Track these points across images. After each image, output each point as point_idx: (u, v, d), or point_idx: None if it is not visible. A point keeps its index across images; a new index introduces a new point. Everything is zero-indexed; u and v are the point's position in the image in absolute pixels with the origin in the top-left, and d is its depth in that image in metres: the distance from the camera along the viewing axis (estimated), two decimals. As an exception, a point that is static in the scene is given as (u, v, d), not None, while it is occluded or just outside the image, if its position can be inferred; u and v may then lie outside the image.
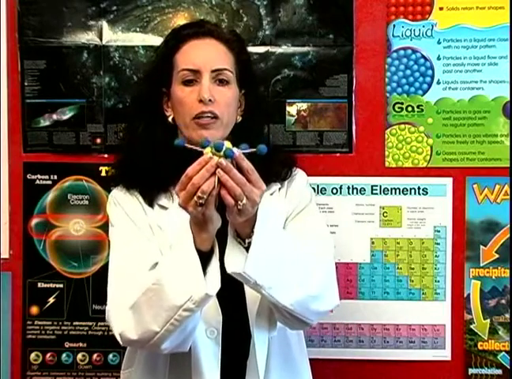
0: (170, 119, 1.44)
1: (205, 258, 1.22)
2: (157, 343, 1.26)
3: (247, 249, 1.20)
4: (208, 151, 1.15)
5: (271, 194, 1.44)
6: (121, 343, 1.32)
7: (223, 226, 1.23)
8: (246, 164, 1.16)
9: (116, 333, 1.32)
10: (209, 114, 1.37)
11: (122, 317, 1.31)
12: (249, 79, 1.48)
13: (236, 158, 1.14)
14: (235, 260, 1.21)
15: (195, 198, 1.15)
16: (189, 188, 1.16)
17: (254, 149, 1.17)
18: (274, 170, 1.45)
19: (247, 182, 1.15)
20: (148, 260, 1.33)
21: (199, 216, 1.19)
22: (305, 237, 1.37)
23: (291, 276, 1.25)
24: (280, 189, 1.46)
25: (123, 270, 1.36)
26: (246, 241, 1.22)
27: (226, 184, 1.14)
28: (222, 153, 1.13)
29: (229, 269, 1.20)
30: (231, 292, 1.30)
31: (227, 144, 1.15)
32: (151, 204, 1.41)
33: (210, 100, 1.36)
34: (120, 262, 1.38)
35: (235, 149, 1.14)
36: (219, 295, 1.28)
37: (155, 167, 1.41)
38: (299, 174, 1.50)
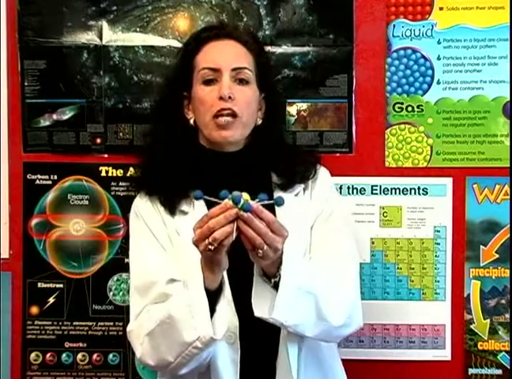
0: (191, 122, 1.44)
1: (214, 297, 1.24)
2: (174, 370, 1.31)
3: (273, 286, 1.23)
4: (227, 203, 1.15)
5: (296, 195, 1.44)
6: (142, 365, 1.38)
7: (248, 261, 1.25)
8: (266, 216, 1.17)
9: (137, 356, 1.36)
10: (228, 112, 1.37)
11: (140, 342, 1.34)
12: (269, 82, 1.49)
13: (255, 210, 1.15)
14: (262, 302, 1.23)
15: (206, 241, 1.17)
16: (204, 229, 1.17)
17: (272, 201, 1.18)
18: (297, 170, 1.46)
19: (269, 231, 1.17)
20: (166, 276, 1.35)
21: (208, 258, 1.21)
22: (331, 254, 1.38)
23: (318, 312, 1.28)
24: (304, 189, 1.46)
25: (142, 288, 1.38)
26: (272, 280, 1.24)
27: (246, 234, 1.16)
28: (240, 207, 1.14)
29: (257, 313, 1.23)
30: (250, 294, 1.30)
31: (245, 197, 1.15)
32: (172, 211, 1.41)
33: (230, 97, 1.37)
34: (139, 279, 1.40)
35: (252, 202, 1.15)
36: (236, 299, 1.31)
37: (175, 172, 1.41)
38: (321, 173, 1.50)
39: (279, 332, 1.34)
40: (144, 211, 1.44)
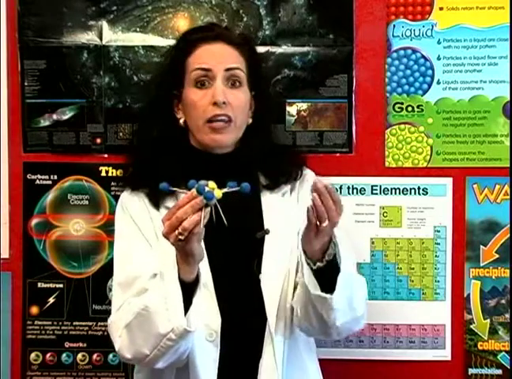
0: (181, 122, 1.44)
1: (191, 289, 1.24)
2: (151, 363, 1.30)
3: (316, 270, 1.27)
4: (193, 193, 1.16)
5: (282, 195, 1.45)
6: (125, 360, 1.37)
7: (244, 254, 1.30)
8: (334, 194, 1.23)
9: (116, 349, 1.35)
10: (223, 118, 1.37)
11: (119, 334, 1.33)
12: (259, 80, 1.49)
13: (330, 191, 1.22)
14: (314, 283, 1.27)
15: (176, 232, 1.17)
16: (172, 220, 1.17)
17: (238, 187, 1.19)
18: (283, 170, 1.46)
19: (333, 206, 1.22)
20: (149, 271, 1.34)
21: (181, 249, 1.21)
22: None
23: (350, 301, 1.32)
24: (291, 190, 1.47)
25: (124, 282, 1.38)
26: (317, 264, 1.28)
27: (318, 208, 1.21)
28: (203, 196, 1.15)
29: (314, 291, 1.27)
30: (234, 293, 1.30)
31: (211, 185, 1.16)
32: (157, 206, 1.42)
33: (224, 103, 1.37)
34: (123, 274, 1.40)
35: (219, 190, 1.16)
36: (221, 297, 1.31)
37: (163, 168, 1.41)
38: (309, 176, 1.51)
39: (262, 332, 1.35)
40: (131, 205, 1.44)
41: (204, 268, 1.30)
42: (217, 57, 1.41)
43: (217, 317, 1.33)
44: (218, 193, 1.16)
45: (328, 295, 1.26)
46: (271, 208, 1.30)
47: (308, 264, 1.28)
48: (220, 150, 1.42)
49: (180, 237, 1.17)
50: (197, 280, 1.25)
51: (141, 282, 1.34)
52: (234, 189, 1.18)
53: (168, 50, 1.56)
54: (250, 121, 1.47)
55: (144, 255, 1.38)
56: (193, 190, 1.16)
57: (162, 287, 1.25)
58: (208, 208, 1.16)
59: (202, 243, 1.23)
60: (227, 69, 1.40)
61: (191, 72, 1.41)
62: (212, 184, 1.16)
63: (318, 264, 1.27)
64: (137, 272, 1.36)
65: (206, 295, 1.31)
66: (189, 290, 1.24)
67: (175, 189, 1.19)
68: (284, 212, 1.42)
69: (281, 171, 1.46)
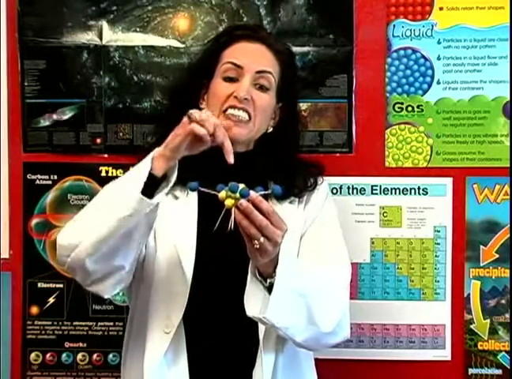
0: None
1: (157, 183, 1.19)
2: (81, 254, 1.20)
3: (267, 288, 1.20)
4: (223, 194, 1.13)
5: (289, 203, 1.43)
6: (57, 256, 1.27)
7: (244, 262, 1.22)
8: (266, 206, 1.13)
9: (57, 246, 1.26)
10: (241, 112, 1.35)
11: (64, 229, 1.26)
12: (290, 94, 1.47)
13: (254, 200, 1.12)
14: (255, 302, 1.20)
15: (197, 115, 1.16)
16: (195, 115, 1.16)
17: (269, 191, 1.16)
18: (295, 184, 1.43)
19: (269, 224, 1.13)
20: None
21: (177, 134, 1.18)
22: (325, 261, 1.36)
23: (309, 316, 1.26)
24: (299, 198, 1.44)
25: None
26: (268, 281, 1.21)
27: (241, 223, 1.12)
28: (238, 194, 1.11)
29: (249, 312, 1.20)
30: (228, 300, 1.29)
31: (242, 186, 1.12)
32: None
33: (246, 99, 1.35)
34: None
35: (251, 191, 1.12)
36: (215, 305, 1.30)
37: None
38: (321, 188, 1.48)
39: (256, 339, 1.33)
40: None
41: (189, 269, 1.30)
42: (252, 56, 1.39)
43: (181, 311, 1.30)
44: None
45: (260, 315, 1.19)
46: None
47: (260, 281, 1.21)
48: (234, 147, 1.39)
49: (199, 128, 1.15)
50: (164, 178, 1.20)
51: None
52: (265, 193, 1.15)
53: (210, 40, 1.55)
54: (271, 129, 1.45)
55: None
56: (223, 192, 1.12)
57: (123, 175, 1.23)
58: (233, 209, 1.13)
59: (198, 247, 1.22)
60: (259, 72, 1.38)
61: (223, 64, 1.39)
62: (243, 186, 1.13)
63: (269, 280, 1.20)
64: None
65: (183, 291, 1.29)
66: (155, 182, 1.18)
67: (203, 189, 1.15)
68: (289, 216, 1.36)
69: (293, 185, 1.42)
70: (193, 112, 1.17)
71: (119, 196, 1.19)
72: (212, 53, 1.44)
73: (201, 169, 1.31)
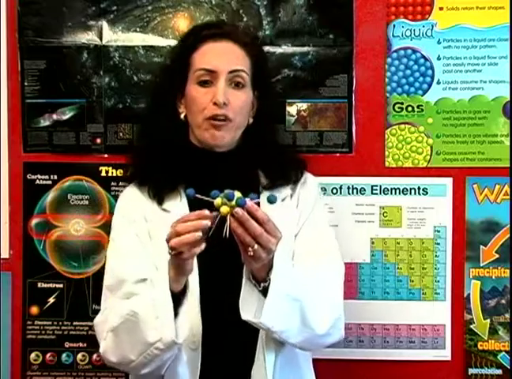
0: (182, 116, 1.45)
1: (178, 299, 1.24)
2: (136, 369, 1.31)
3: (262, 291, 1.22)
4: (218, 201, 1.14)
5: (282, 200, 1.44)
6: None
7: (238, 266, 1.23)
8: (261, 214, 1.15)
9: (100, 351, 1.36)
10: (222, 117, 1.38)
11: (104, 337, 1.34)
12: (263, 80, 1.49)
13: (249, 208, 1.14)
14: (250, 306, 1.22)
15: (171, 243, 1.17)
16: (171, 231, 1.17)
17: (259, 199, 1.17)
18: (285, 172, 1.46)
19: (263, 232, 1.15)
20: (137, 274, 1.35)
21: (172, 259, 1.21)
22: (318, 263, 1.37)
23: (303, 320, 1.27)
24: (291, 195, 1.46)
25: (112, 284, 1.39)
26: (262, 285, 1.22)
27: (236, 231, 1.14)
28: (234, 202, 1.12)
29: (244, 316, 1.21)
30: (226, 301, 1.29)
31: (238, 194, 1.13)
32: (160, 203, 1.41)
33: (225, 103, 1.37)
34: (111, 276, 1.40)
35: (247, 199, 1.13)
36: (212, 305, 1.31)
37: (164, 165, 1.41)
38: (309, 180, 1.50)
39: (255, 339, 1.34)
40: (128, 205, 1.45)
41: (193, 276, 1.29)
42: (222, 57, 1.41)
43: (199, 324, 1.32)
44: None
45: (255, 320, 1.21)
46: (271, 214, 1.27)
47: (254, 285, 1.23)
48: (218, 148, 1.42)
49: (169, 251, 1.18)
50: (184, 291, 1.25)
51: (128, 285, 1.34)
52: (259, 200, 1.17)
53: (176, 44, 1.56)
54: (251, 120, 1.47)
55: (135, 257, 1.38)
56: (218, 199, 1.14)
57: (152, 294, 1.25)
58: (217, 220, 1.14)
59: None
60: (232, 71, 1.40)
61: (195, 71, 1.41)
62: (238, 194, 1.14)
63: (263, 284, 1.22)
64: (123, 276, 1.36)
65: (191, 302, 1.30)
66: (176, 299, 1.23)
67: (201, 196, 1.15)
68: (282, 218, 1.37)
69: (281, 171, 1.45)
70: (172, 244, 1.17)
71: (153, 337, 1.23)
72: (181, 57, 1.45)
73: (188, 173, 1.32)
